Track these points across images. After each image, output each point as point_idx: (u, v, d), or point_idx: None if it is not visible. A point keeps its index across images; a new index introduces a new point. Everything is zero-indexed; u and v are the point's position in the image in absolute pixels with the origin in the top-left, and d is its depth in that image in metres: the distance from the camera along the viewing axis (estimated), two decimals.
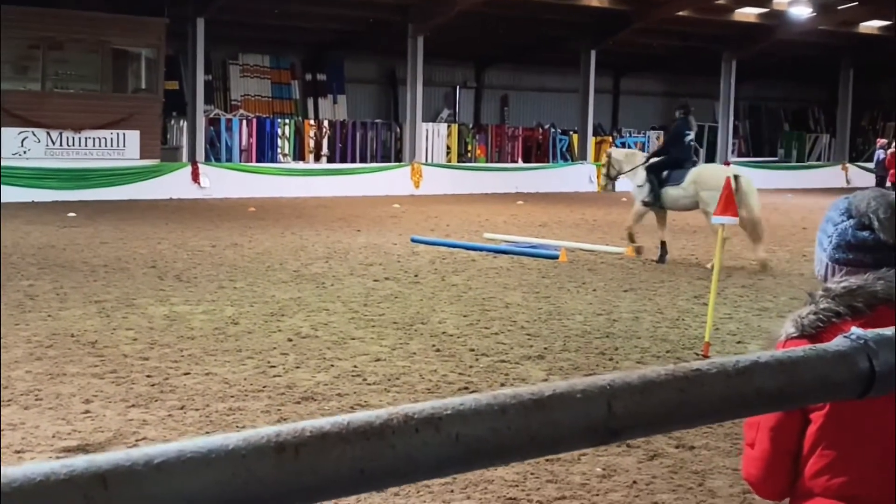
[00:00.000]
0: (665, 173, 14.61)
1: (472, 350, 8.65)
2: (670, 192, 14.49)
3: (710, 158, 36.00)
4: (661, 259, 14.49)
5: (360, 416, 1.23)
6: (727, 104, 34.98)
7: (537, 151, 33.13)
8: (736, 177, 13.25)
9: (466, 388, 7.42)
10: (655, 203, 14.65)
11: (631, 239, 15.11)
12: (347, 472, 1.20)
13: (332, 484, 1.21)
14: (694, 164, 15.15)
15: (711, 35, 33.12)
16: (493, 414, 1.28)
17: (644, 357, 8.60)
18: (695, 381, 1.37)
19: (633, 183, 15.21)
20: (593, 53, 31.63)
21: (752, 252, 14.27)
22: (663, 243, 14.63)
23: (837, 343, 1.46)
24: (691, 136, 15.17)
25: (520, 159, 32.54)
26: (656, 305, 11.00)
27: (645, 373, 1.38)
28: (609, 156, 16.05)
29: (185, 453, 1.11)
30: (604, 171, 16.30)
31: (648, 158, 15.30)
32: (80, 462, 1.09)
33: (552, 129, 33.53)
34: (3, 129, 22.46)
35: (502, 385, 7.56)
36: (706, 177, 14.19)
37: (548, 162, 32.57)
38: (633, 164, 15.23)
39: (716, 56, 34.31)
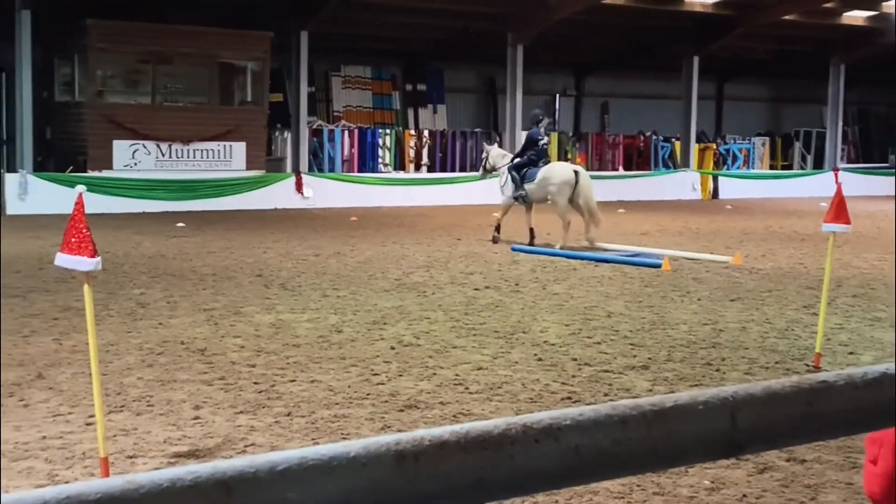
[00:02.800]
0: (524, 171, 17.32)
1: (575, 359, 8.58)
2: (527, 188, 17.22)
3: (819, 164, 35.20)
4: (530, 244, 16.98)
5: (479, 425, 1.22)
6: (835, 109, 34.13)
7: (638, 159, 32.78)
8: (576, 171, 17.05)
9: (569, 398, 7.37)
10: (523, 196, 17.33)
11: (496, 229, 17.59)
12: (466, 482, 1.19)
13: (451, 493, 1.20)
14: (545, 163, 17.62)
15: (818, 39, 32.36)
16: (613, 425, 1.26)
17: (752, 368, 8.42)
18: (822, 393, 1.33)
19: (499, 181, 18.00)
20: (696, 59, 31.19)
21: (586, 234, 16.80)
22: (531, 230, 17.28)
23: None
24: (544, 140, 17.93)
25: (621, 167, 32.24)
26: (764, 315, 10.77)
27: (769, 384, 1.34)
28: (487, 153, 18.84)
29: (307, 461, 1.11)
30: (483, 164, 19.06)
31: (512, 160, 17.93)
32: (205, 469, 1.11)
33: (654, 137, 33.14)
34: (115, 141, 23.13)
35: (605, 395, 7.48)
36: (551, 173, 17.10)
37: (649, 170, 32.19)
38: (503, 163, 18.08)
39: (822, 60, 33.51)
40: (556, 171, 17.15)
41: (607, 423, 1.24)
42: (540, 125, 17.98)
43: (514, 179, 17.48)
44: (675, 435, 1.24)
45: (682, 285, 12.79)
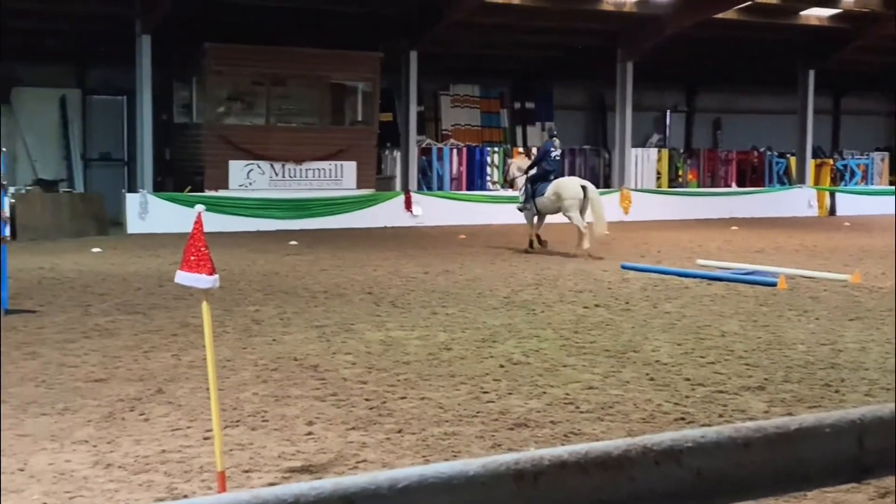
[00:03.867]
0: (536, 185, 18.13)
1: (688, 379, 8.44)
2: (539, 201, 18.03)
3: None
4: (528, 250, 18.25)
5: (598, 445, 1.21)
6: None
7: (752, 175, 32.17)
8: (583, 187, 17.64)
9: (682, 419, 7.24)
10: (530, 208, 18.31)
11: (532, 243, 18.49)
12: (585, 503, 1.19)
13: None
14: (556, 177, 18.39)
15: None
16: (735, 448, 1.24)
17: (872, 390, 8.15)
18: None
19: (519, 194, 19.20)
20: (811, 73, 30.50)
21: (580, 242, 17.56)
22: (534, 238, 18.41)
23: None
24: (557, 153, 18.74)
25: (734, 184, 31.68)
26: (884, 335, 10.43)
27: None
28: (509, 165, 20.08)
29: (427, 478, 1.12)
30: (507, 174, 20.52)
31: (526, 171, 18.85)
32: (327, 484, 1.13)
33: (768, 152, 32.50)
34: (230, 162, 23.71)
35: (720, 416, 7.34)
36: (560, 188, 17.76)
37: (763, 186, 31.56)
38: (521, 175, 19.17)
39: None
40: (565, 187, 17.86)
41: (730, 446, 1.22)
42: (554, 139, 18.83)
43: (526, 191, 18.54)
44: (801, 458, 1.22)
45: (799, 304, 12.48)
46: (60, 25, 24.19)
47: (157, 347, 9.64)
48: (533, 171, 18.62)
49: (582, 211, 17.66)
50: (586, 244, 17.39)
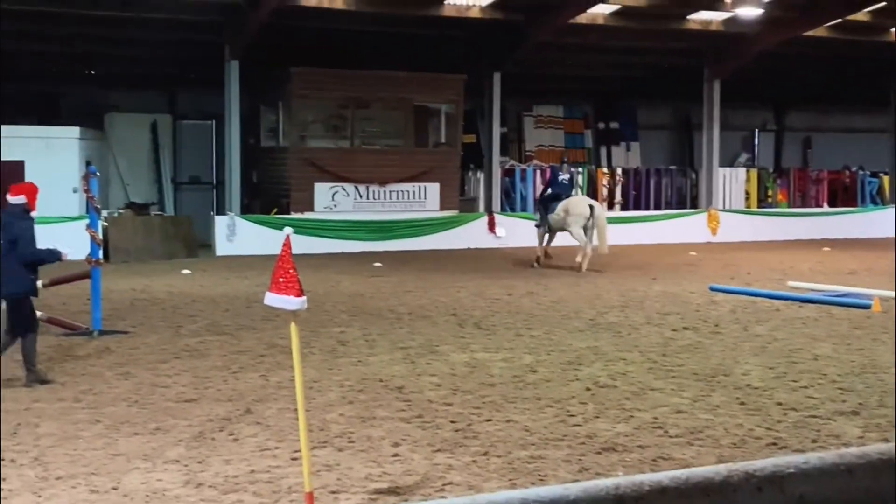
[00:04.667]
0: (549, 205, 19.91)
1: (780, 404, 8.27)
2: (551, 217, 19.81)
3: None
4: (534, 265, 19.84)
5: (699, 471, 1.19)
6: None
7: (844, 195, 31.47)
8: (591, 206, 19.46)
9: (775, 444, 7.09)
10: (543, 225, 20.03)
11: (539, 259, 20.01)
12: None
13: None
14: (567, 197, 20.06)
15: None
16: (839, 474, 1.21)
17: None
18: None
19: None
20: None
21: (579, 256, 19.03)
22: (541, 255, 20.05)
23: None
24: (565, 177, 20.67)
25: (825, 204, 31.02)
26: None
27: None
28: None
29: (528, 501, 1.11)
30: None
31: (540, 195, 21.19)
32: None
33: (860, 172, 31.77)
34: (316, 184, 23.99)
35: (814, 442, 7.17)
36: (570, 205, 19.52)
37: (856, 206, 30.85)
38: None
39: None
40: (574, 204, 19.61)
41: (833, 472, 1.19)
42: (564, 164, 21.45)
43: (540, 212, 20.50)
44: None
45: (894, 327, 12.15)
46: (152, 53, 24.80)
47: (245, 368, 9.77)
48: (547, 193, 20.55)
49: (587, 229, 19.15)
50: (579, 258, 19.10)
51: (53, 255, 9.44)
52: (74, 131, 22.80)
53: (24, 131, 22.43)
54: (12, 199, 9.25)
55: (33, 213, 9.46)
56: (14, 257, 9.11)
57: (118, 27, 22.75)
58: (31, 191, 9.52)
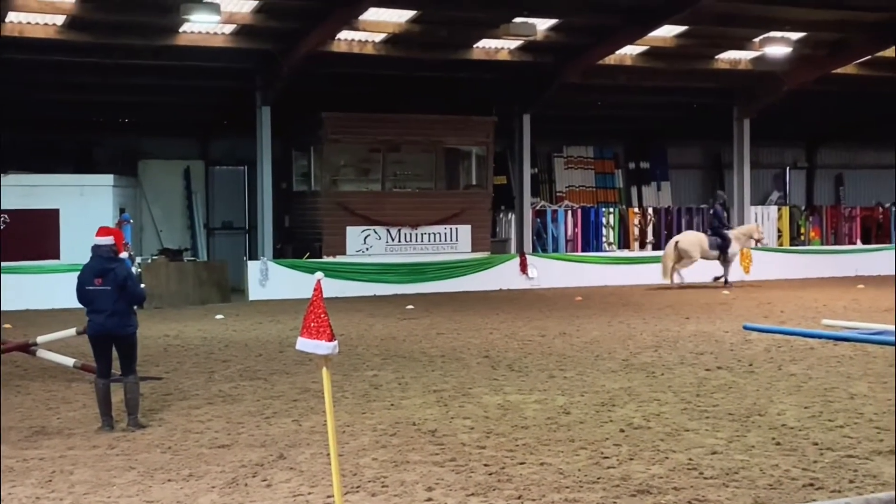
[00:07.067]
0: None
1: (816, 444, 8.17)
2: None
3: None
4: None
5: None
6: None
7: (878, 232, 31.21)
8: (676, 242, 24.18)
9: (811, 485, 7.00)
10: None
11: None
12: None
13: None
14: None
15: None
16: None
17: None
18: None
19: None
20: None
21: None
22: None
23: None
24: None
25: (858, 241, 30.77)
26: None
27: None
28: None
29: None
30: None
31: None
32: None
33: (893, 208, 31.52)
34: (348, 228, 24.10)
35: (851, 482, 7.07)
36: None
37: (890, 243, 30.55)
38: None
39: None
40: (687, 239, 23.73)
41: None
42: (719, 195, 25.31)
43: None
44: None
45: None
46: (185, 100, 25.12)
47: (278, 413, 9.78)
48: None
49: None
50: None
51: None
52: (108, 179, 23.09)
53: (60, 180, 22.77)
54: (101, 239, 9.46)
55: (122, 255, 9.82)
56: (126, 297, 9.37)
57: (151, 75, 23.08)
58: (118, 234, 9.84)
